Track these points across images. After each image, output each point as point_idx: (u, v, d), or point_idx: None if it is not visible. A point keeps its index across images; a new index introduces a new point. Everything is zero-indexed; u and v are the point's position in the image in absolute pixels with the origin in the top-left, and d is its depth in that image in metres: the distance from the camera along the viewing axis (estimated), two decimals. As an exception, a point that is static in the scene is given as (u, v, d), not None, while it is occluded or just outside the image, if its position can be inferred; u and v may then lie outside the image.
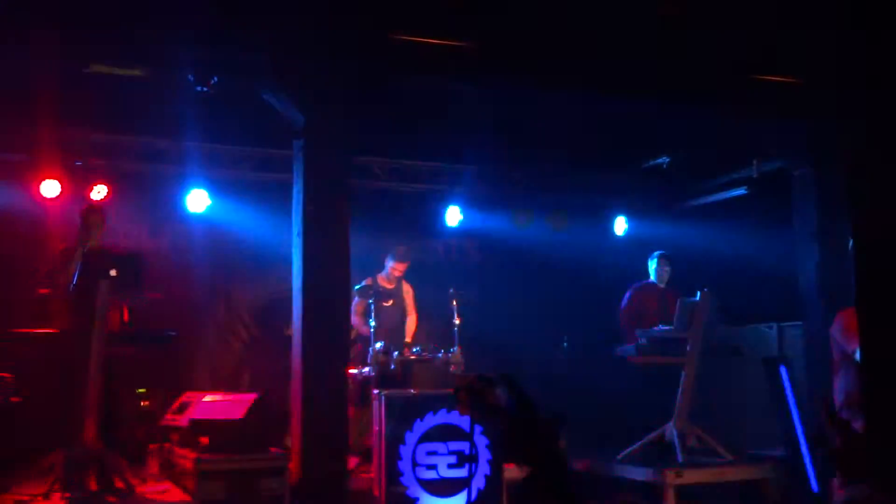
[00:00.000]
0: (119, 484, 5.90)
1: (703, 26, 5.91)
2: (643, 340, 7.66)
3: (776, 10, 5.71)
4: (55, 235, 7.44)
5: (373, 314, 7.45)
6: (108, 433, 6.05)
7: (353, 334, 7.83)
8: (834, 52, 5.57)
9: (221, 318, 8.82)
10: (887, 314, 2.32)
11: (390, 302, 8.18)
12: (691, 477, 6.84)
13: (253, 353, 8.77)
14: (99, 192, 7.94)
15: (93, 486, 5.84)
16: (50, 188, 7.86)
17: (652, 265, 8.41)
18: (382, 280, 8.21)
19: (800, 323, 7.43)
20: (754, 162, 8.40)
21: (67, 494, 5.65)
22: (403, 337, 8.04)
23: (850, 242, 6.56)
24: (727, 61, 6.43)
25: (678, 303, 7.41)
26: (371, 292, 7.60)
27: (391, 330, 7.89)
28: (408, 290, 8.41)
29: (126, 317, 6.60)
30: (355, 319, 7.90)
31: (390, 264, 8.22)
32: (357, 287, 7.57)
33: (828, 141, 6.88)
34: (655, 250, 8.57)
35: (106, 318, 6.01)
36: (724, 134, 8.11)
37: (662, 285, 8.36)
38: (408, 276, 8.36)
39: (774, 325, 8.32)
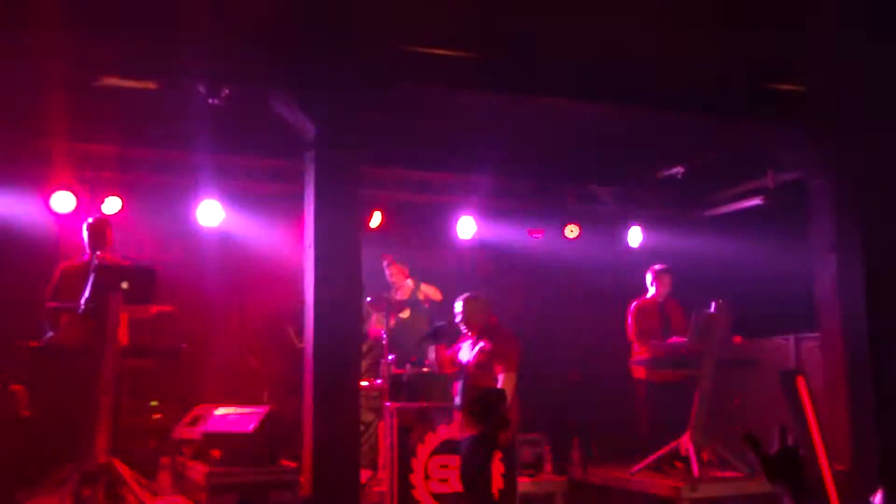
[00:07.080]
0: (130, 498, 5.86)
1: (718, 34, 5.85)
2: (657, 354, 7.60)
3: (795, 17, 5.65)
4: (67, 249, 7.42)
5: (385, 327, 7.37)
6: (119, 446, 6.02)
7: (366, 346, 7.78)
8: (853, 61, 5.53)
9: (234, 331, 8.79)
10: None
11: (406, 313, 8.10)
12: (707, 491, 6.76)
13: (266, 365, 8.73)
14: (111, 205, 7.91)
15: (103, 500, 5.81)
16: (63, 201, 7.81)
17: (649, 280, 8.31)
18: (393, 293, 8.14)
19: (817, 334, 7.33)
20: (770, 172, 8.31)
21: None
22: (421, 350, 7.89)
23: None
24: (742, 69, 6.37)
25: (693, 315, 7.33)
26: (385, 304, 7.51)
27: (406, 343, 7.77)
28: (429, 290, 8.31)
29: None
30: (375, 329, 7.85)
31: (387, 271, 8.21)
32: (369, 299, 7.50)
33: (844, 151, 6.80)
34: (669, 261, 8.46)
35: (117, 331, 5.98)
36: (739, 144, 8.04)
37: (661, 300, 8.24)
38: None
39: (791, 337, 8.22)
